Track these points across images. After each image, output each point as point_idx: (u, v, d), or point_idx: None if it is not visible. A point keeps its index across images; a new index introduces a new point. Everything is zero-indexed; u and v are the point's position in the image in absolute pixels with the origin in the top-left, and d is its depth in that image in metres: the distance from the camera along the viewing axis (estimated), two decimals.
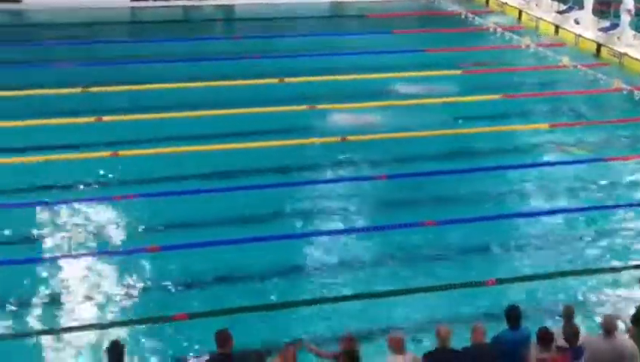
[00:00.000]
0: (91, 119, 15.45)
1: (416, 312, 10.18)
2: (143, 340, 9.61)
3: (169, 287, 10.71)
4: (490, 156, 15.03)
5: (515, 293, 10.45)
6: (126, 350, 7.64)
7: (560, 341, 7.90)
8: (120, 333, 9.60)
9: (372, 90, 17.88)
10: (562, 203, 13.51)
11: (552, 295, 10.67)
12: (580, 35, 22.06)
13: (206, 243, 11.38)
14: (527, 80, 19.47)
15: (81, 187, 13.34)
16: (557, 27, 23.06)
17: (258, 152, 14.53)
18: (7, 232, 11.87)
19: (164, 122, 15.56)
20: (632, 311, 8.59)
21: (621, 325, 8.34)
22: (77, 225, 12.19)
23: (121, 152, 14.08)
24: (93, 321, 10.01)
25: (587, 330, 8.65)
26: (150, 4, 25.08)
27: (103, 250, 11.56)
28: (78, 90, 16.70)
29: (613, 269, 11.34)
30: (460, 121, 16.54)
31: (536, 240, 12.17)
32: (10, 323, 9.91)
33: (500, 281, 10.75)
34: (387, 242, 11.91)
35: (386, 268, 11.34)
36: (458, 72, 18.99)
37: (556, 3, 24.19)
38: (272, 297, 10.49)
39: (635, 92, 18.21)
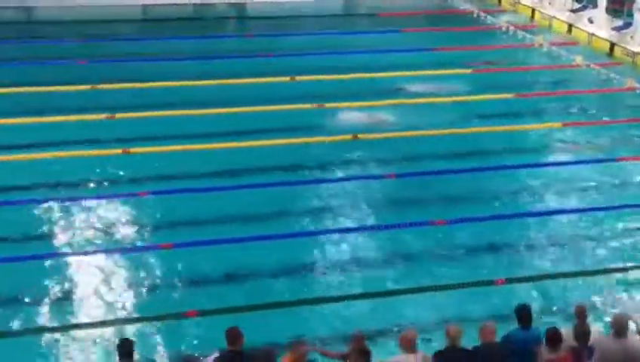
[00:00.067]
0: (102, 116, 15.49)
1: (426, 311, 10.15)
2: (153, 337, 9.63)
3: (176, 285, 10.73)
4: (500, 155, 14.97)
5: (524, 293, 10.40)
6: (135, 347, 7.66)
7: (571, 341, 7.85)
8: (130, 330, 9.64)
9: (383, 88, 17.85)
10: (573, 202, 13.43)
11: (562, 295, 10.60)
12: (593, 34, 21.94)
13: (215, 241, 11.40)
14: (540, 79, 19.39)
15: (92, 184, 13.40)
16: (570, 26, 22.96)
17: (268, 150, 14.54)
18: (18, 229, 11.93)
19: (175, 120, 15.58)
20: None
21: (632, 325, 8.28)
22: (87, 222, 12.23)
23: (132, 150, 14.12)
24: (104, 318, 10.04)
25: (598, 330, 8.57)
26: (161, 1, 25.11)
27: (113, 248, 11.60)
28: (89, 87, 16.75)
29: (624, 269, 11.27)
30: (472, 120, 16.47)
31: (547, 240, 12.10)
32: (20, 320, 9.94)
33: (510, 281, 10.71)
34: (396, 241, 11.88)
35: (395, 267, 11.32)
36: (469, 70, 18.92)
37: (570, 2, 24.04)
38: (281, 295, 10.47)
39: None
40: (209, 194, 12.92)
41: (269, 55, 19.49)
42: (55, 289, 10.57)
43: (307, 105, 16.27)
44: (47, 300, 10.33)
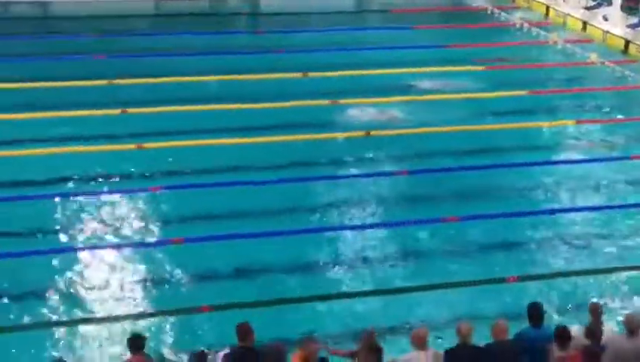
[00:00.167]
0: (116, 111, 15.54)
1: (437, 309, 10.13)
2: (164, 332, 9.67)
3: (188, 280, 10.76)
4: (513, 152, 14.89)
5: (536, 291, 10.37)
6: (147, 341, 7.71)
7: (583, 339, 7.81)
8: (142, 324, 9.68)
9: (395, 85, 17.79)
10: (586, 200, 13.36)
11: (574, 293, 10.57)
12: (607, 32, 21.79)
13: (227, 237, 11.42)
14: (554, 76, 19.29)
15: (105, 179, 13.45)
16: (585, 23, 22.81)
17: (280, 146, 14.53)
18: (31, 224, 12.00)
19: (189, 115, 15.63)
20: None
21: None
22: (99, 216, 12.29)
23: (146, 145, 14.17)
24: (115, 313, 10.09)
25: (612, 329, 8.53)
26: None
27: (126, 242, 11.65)
28: (104, 82, 16.82)
29: (638, 268, 11.18)
30: (485, 117, 16.41)
31: (559, 238, 12.05)
32: (31, 314, 10.00)
33: (522, 278, 10.67)
34: (408, 238, 11.86)
35: (406, 264, 11.31)
36: (482, 67, 18.84)
37: None
38: (293, 291, 10.49)
39: None
40: (221, 190, 12.96)
41: (282, 51, 19.49)
42: (67, 284, 10.62)
43: (320, 102, 16.28)
44: (58, 294, 10.39)
